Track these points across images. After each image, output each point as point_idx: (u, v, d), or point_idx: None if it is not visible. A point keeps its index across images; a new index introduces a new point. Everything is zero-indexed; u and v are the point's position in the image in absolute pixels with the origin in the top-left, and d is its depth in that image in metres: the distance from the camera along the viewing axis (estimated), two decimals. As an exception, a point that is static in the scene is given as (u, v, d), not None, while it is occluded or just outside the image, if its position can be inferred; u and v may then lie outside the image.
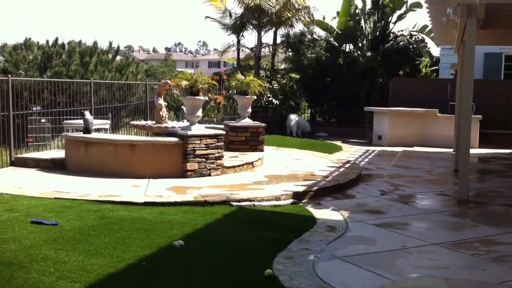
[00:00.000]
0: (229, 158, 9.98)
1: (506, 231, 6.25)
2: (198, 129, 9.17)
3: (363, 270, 4.89)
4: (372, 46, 19.23)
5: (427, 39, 19.77)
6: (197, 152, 8.84)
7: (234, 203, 7.14)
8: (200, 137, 8.92)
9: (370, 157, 12.70)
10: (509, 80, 18.27)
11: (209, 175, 8.93)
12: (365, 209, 7.35)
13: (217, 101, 15.09)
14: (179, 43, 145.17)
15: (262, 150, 11.07)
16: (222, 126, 11.62)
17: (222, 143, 9.20)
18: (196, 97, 9.13)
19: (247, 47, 21.42)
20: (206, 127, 9.88)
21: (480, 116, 14.57)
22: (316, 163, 10.68)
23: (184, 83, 9.16)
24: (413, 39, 19.65)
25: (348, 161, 11.11)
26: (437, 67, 24.73)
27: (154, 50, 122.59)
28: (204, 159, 8.91)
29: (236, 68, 19.12)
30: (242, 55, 21.59)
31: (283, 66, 21.82)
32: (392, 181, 9.55)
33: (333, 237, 5.92)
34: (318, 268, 4.91)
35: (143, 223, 6.05)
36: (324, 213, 7.02)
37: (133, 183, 8.16)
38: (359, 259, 5.18)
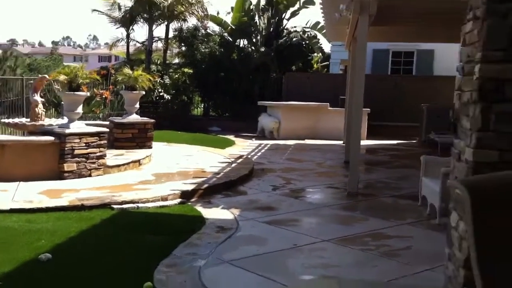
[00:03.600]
0: (114, 156, 9.27)
1: (396, 223, 6.24)
2: (78, 126, 8.38)
3: (252, 274, 4.54)
4: (266, 41, 19.22)
5: (319, 35, 20.17)
6: (76, 152, 8.06)
7: (115, 206, 6.52)
8: (80, 135, 8.15)
9: (263, 151, 12.53)
10: (396, 75, 19.09)
11: (90, 175, 8.19)
12: (256, 206, 7.06)
13: (103, 96, 14.20)
14: (67, 37, 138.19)
15: (150, 147, 10.44)
16: (108, 123, 10.84)
17: (105, 141, 8.49)
18: (76, 92, 8.34)
19: (137, 41, 20.54)
20: (88, 124, 9.08)
21: (369, 109, 14.96)
22: (207, 159, 10.27)
23: (62, 77, 8.33)
24: (306, 35, 19.92)
25: (241, 156, 10.82)
26: (328, 62, 25.35)
27: (40, 44, 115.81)
28: (84, 159, 8.15)
29: (125, 62, 18.20)
30: (132, 49, 20.67)
31: (176, 61, 21.20)
32: (284, 175, 9.38)
33: (222, 239, 5.53)
34: (204, 275, 4.49)
35: (7, 233, 5.29)
36: (214, 212, 6.63)
37: (1, 188, 7.23)
38: (249, 262, 4.84)
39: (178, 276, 4.46)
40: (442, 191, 6.26)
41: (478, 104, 3.33)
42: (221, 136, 15.16)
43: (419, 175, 9.60)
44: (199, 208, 6.83)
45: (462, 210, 3.60)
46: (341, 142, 13.83)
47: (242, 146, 13.10)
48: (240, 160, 10.27)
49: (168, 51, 20.34)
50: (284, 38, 19.61)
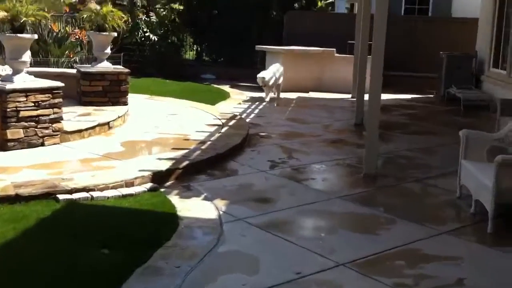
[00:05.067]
0: (78, 116, 7.60)
1: (433, 231, 4.65)
2: (25, 80, 6.64)
3: None
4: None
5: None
6: (22, 114, 6.38)
7: (61, 197, 4.94)
8: (27, 92, 6.43)
9: (260, 107, 10.81)
10: (412, 16, 16.94)
11: (42, 144, 6.54)
12: (249, 195, 5.46)
13: (77, 36, 12.32)
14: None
15: (125, 104, 8.69)
16: (75, 71, 9.10)
17: (60, 100, 6.76)
18: (19, 35, 6.54)
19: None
20: (44, 75, 7.28)
21: (381, 57, 13.09)
22: (194, 120, 8.58)
23: (1, 14, 6.51)
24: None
25: (234, 116, 9.11)
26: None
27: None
28: (33, 123, 6.47)
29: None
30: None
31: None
32: (285, 143, 7.75)
33: (198, 259, 3.97)
34: None
35: None
36: (193, 206, 5.05)
37: None
38: (231, 309, 3.31)
39: None
40: (496, 187, 4.67)
41: None
42: (215, 86, 13.34)
43: (445, 144, 8.03)
44: (174, 198, 5.24)
45: None
46: (349, 96, 12.10)
47: (237, 101, 11.34)
48: (232, 122, 8.56)
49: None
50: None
